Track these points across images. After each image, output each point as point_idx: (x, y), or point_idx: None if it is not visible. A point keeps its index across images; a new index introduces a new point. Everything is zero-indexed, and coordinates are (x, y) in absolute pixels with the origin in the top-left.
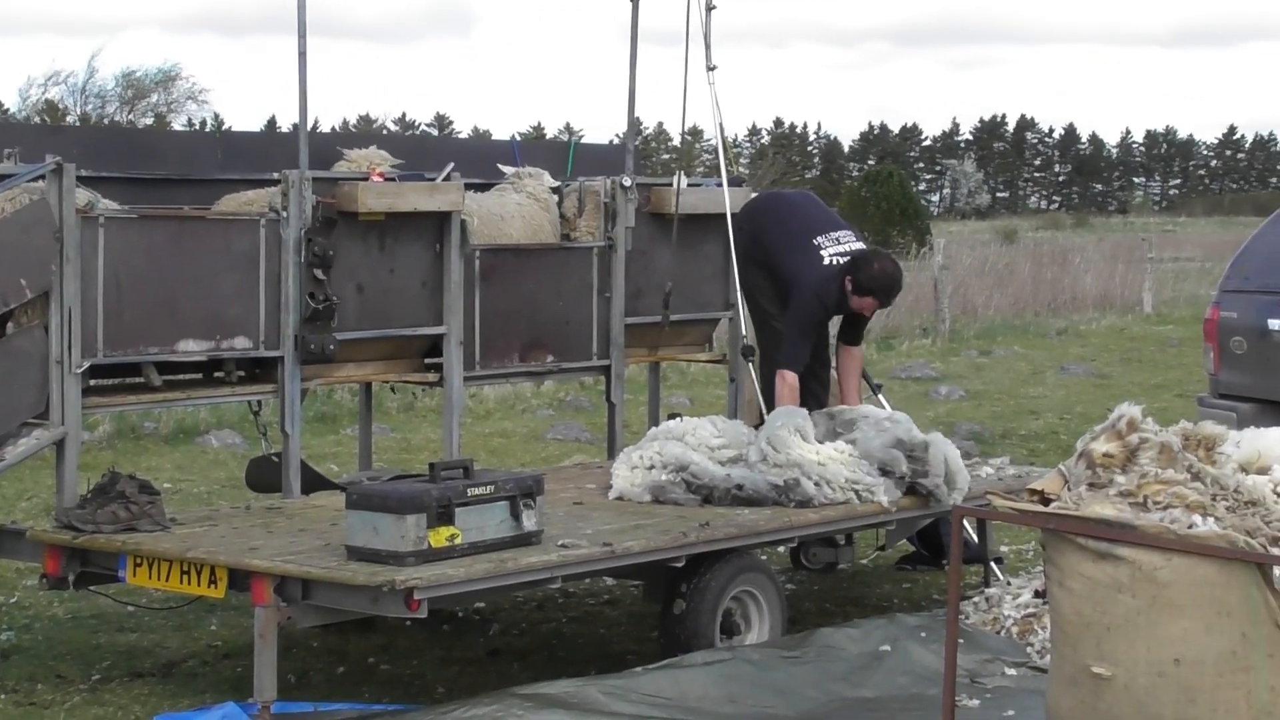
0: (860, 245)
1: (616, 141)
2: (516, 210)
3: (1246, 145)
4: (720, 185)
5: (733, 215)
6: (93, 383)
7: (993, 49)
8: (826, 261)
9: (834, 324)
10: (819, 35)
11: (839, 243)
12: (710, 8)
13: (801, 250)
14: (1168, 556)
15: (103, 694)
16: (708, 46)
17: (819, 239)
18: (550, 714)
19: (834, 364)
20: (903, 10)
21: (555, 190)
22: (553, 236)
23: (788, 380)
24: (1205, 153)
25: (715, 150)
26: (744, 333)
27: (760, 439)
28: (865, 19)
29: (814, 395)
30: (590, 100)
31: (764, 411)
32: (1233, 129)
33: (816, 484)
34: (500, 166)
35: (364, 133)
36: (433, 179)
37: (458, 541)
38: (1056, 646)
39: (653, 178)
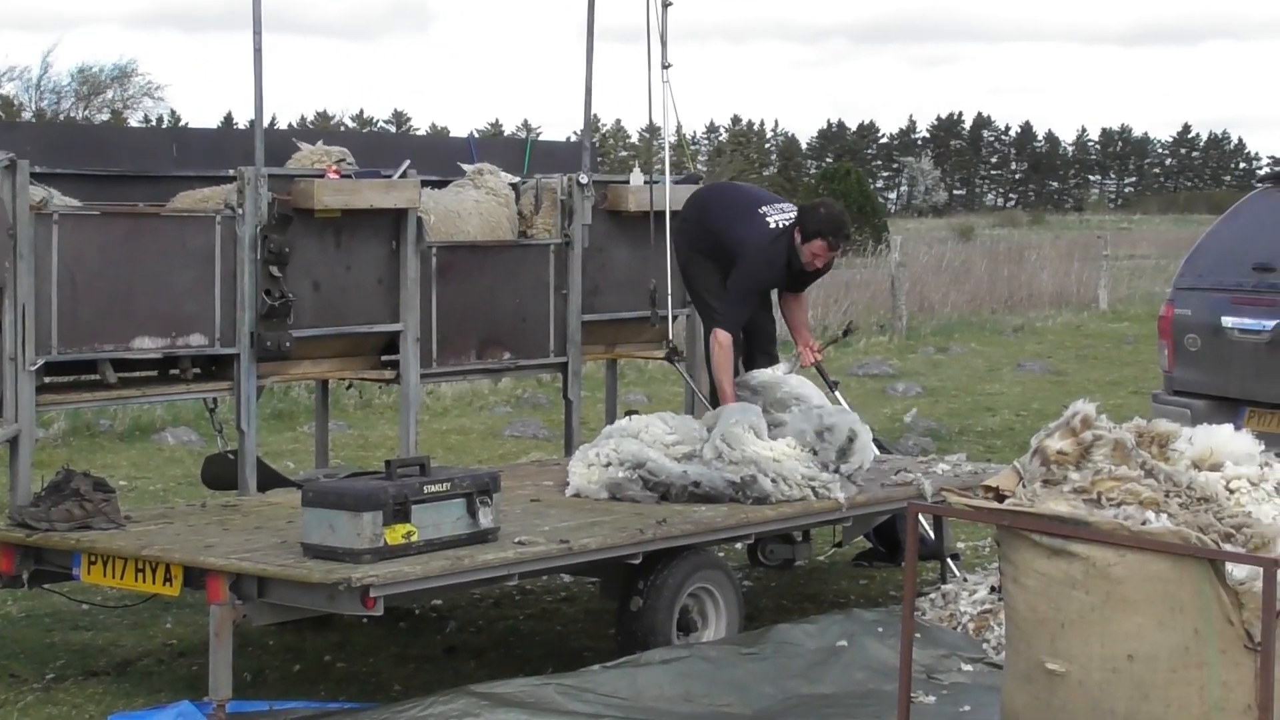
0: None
1: (574, 139)
2: (474, 207)
3: (1201, 144)
4: (678, 183)
5: (677, 210)
6: (47, 380)
7: (952, 46)
8: (772, 225)
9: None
10: (781, 32)
11: (784, 211)
12: (666, 4)
13: (746, 219)
14: (1121, 553)
15: (57, 693)
16: (664, 44)
17: (764, 208)
18: (507, 713)
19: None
20: (866, 7)
21: (512, 187)
22: (510, 233)
23: (720, 340)
24: (1160, 151)
25: (673, 147)
26: (668, 336)
27: (715, 436)
28: (828, 16)
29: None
30: (547, 97)
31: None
32: (1187, 127)
33: (773, 481)
34: (460, 165)
35: (321, 129)
36: (389, 176)
37: (414, 539)
38: (1011, 642)
39: (609, 175)
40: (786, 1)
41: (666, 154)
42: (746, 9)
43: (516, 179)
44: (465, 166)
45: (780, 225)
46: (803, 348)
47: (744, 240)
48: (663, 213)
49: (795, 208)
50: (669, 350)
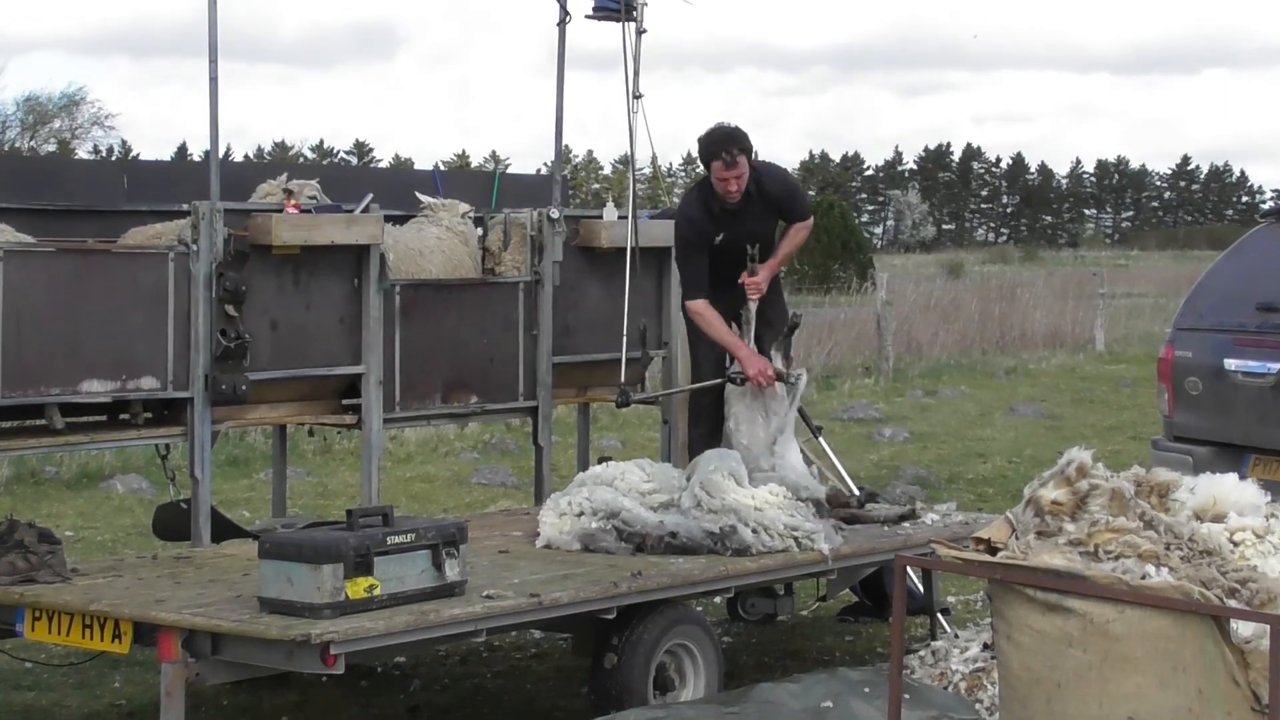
0: None
1: (544, 171)
2: (436, 244)
3: (1201, 176)
4: (654, 218)
5: (651, 247)
6: None
7: (940, 74)
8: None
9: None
10: (762, 59)
11: None
12: (640, 31)
13: None
14: (1120, 609)
15: None
16: (636, 73)
17: None
18: None
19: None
20: (849, 33)
21: (479, 221)
22: (473, 271)
23: (692, 309)
24: (1159, 184)
25: (646, 180)
26: (621, 377)
27: (693, 484)
28: (810, 42)
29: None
30: (516, 128)
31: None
32: (1187, 159)
33: (754, 531)
34: (418, 195)
35: (279, 161)
36: (351, 210)
37: (377, 592)
38: (1005, 703)
39: (582, 209)
40: (766, 27)
41: (632, 187)
42: (724, 35)
43: (478, 212)
44: (423, 198)
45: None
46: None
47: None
48: (619, 250)
49: None
50: (620, 395)
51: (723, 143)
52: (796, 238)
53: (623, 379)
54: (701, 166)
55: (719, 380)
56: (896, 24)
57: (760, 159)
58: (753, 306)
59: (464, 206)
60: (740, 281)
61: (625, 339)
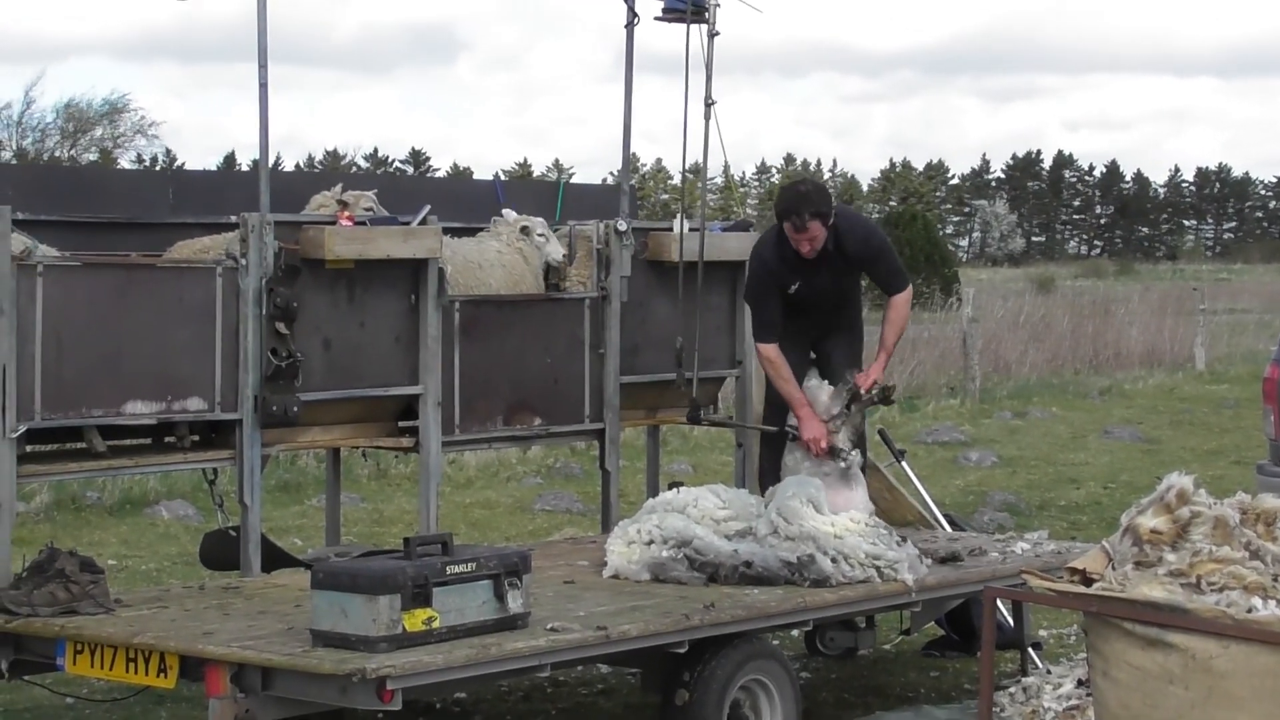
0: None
1: (610, 180)
2: (496, 258)
3: None
4: (726, 229)
5: (723, 260)
6: (29, 449)
7: (1030, 78)
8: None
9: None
10: (841, 62)
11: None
12: (712, 34)
13: None
14: (1224, 644)
15: None
16: (708, 78)
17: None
18: None
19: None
20: (934, 34)
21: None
22: (535, 288)
23: (763, 353)
24: (1263, 192)
25: (718, 190)
26: (693, 393)
27: (770, 510)
28: (894, 44)
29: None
30: (581, 135)
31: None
32: None
33: (833, 560)
34: (505, 212)
35: (331, 170)
36: (407, 223)
37: (435, 625)
38: None
39: (650, 221)
40: (846, 29)
41: (704, 196)
42: (802, 38)
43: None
44: (508, 214)
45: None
46: (861, 374)
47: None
48: (706, 263)
49: None
50: (691, 410)
51: (794, 205)
52: (898, 318)
53: (693, 393)
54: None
55: (781, 430)
56: (985, 25)
57: (846, 210)
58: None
59: (538, 226)
60: (853, 383)
61: (696, 355)
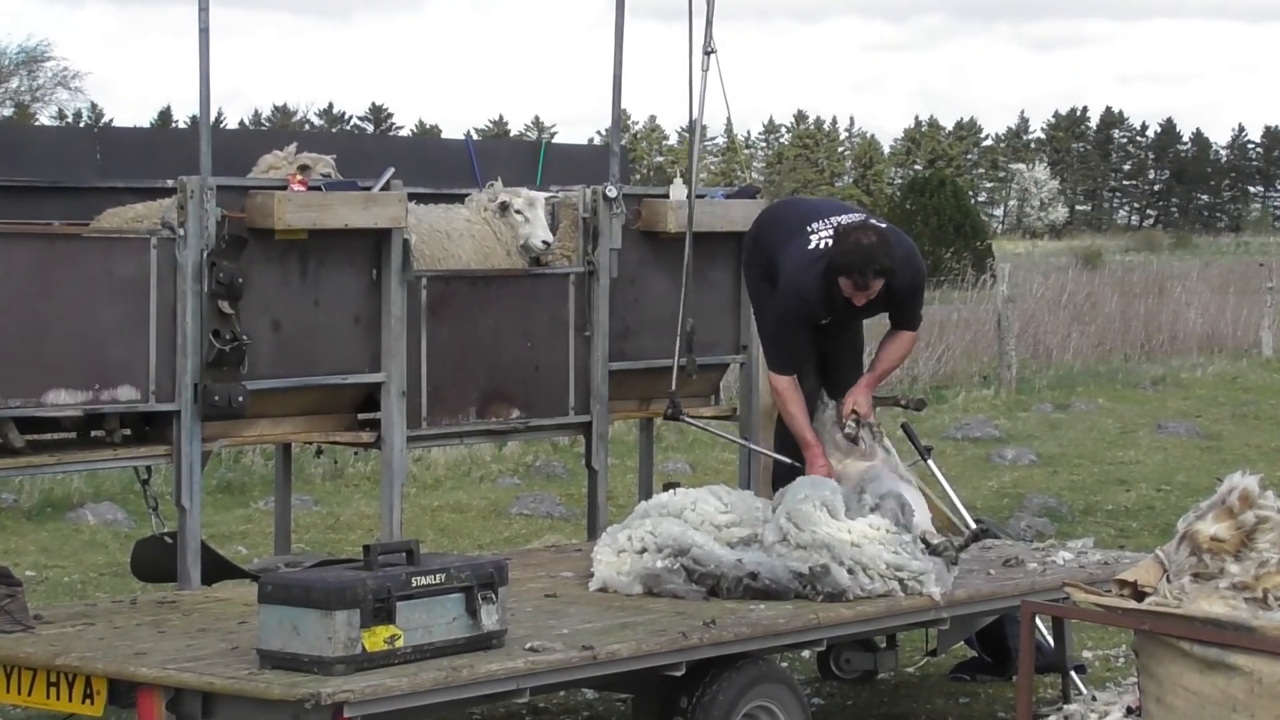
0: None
1: (598, 141)
2: (465, 228)
3: None
4: (730, 196)
5: (736, 231)
6: None
7: (1076, 25)
8: (812, 245)
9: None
10: (864, 6)
11: (838, 226)
12: None
13: (793, 239)
14: None
15: None
16: (709, 23)
17: (816, 224)
18: None
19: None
20: None
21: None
22: (507, 264)
23: (774, 385)
24: None
25: (720, 152)
26: (672, 385)
27: (779, 515)
28: None
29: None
30: (564, 89)
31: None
32: None
33: (850, 571)
34: (487, 184)
35: (281, 128)
36: (368, 188)
37: (399, 644)
38: None
39: (644, 187)
40: None
41: (694, 160)
42: None
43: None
44: (492, 187)
45: (823, 246)
46: (848, 396)
47: (782, 265)
48: (707, 234)
49: (859, 218)
50: (670, 406)
51: (858, 263)
52: (901, 355)
53: (673, 386)
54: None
55: (789, 462)
56: None
57: (896, 241)
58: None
59: (521, 202)
60: (855, 406)
61: (679, 340)
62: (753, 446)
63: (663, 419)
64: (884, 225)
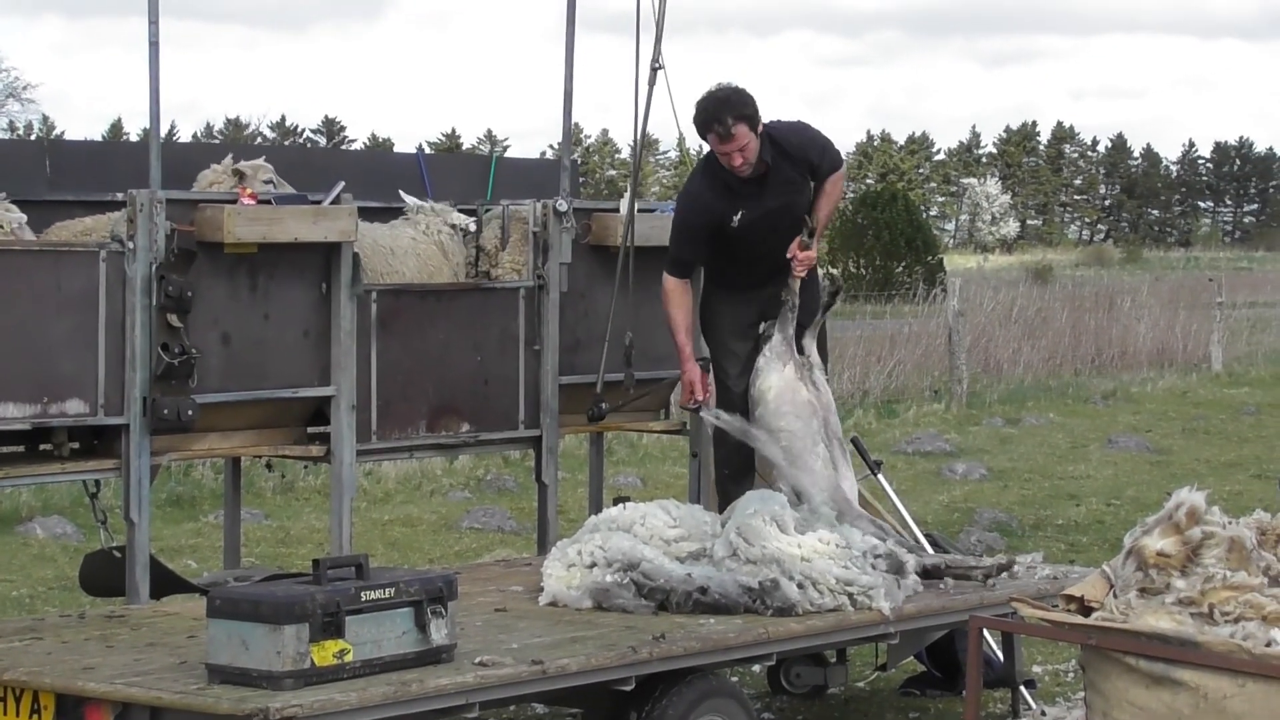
0: None
1: (549, 154)
2: (410, 245)
3: None
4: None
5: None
6: None
7: (1033, 39)
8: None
9: None
10: (819, 20)
11: None
12: None
13: None
14: (1240, 681)
15: None
16: (657, 39)
17: None
18: None
19: None
20: None
21: (470, 213)
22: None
23: (665, 286)
24: None
25: (672, 166)
26: (598, 387)
27: (728, 529)
28: (879, 1)
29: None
30: (521, 103)
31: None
32: None
33: (800, 585)
34: (402, 195)
35: (233, 141)
36: (318, 202)
37: (349, 659)
38: None
39: (595, 200)
40: None
41: (635, 172)
42: None
43: (470, 204)
44: (408, 199)
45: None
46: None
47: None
48: (656, 248)
49: None
50: (592, 407)
51: (713, 111)
52: (834, 193)
53: (599, 388)
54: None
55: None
56: None
57: (773, 119)
58: (796, 285)
59: (457, 217)
60: (789, 255)
61: (606, 347)
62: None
63: (587, 420)
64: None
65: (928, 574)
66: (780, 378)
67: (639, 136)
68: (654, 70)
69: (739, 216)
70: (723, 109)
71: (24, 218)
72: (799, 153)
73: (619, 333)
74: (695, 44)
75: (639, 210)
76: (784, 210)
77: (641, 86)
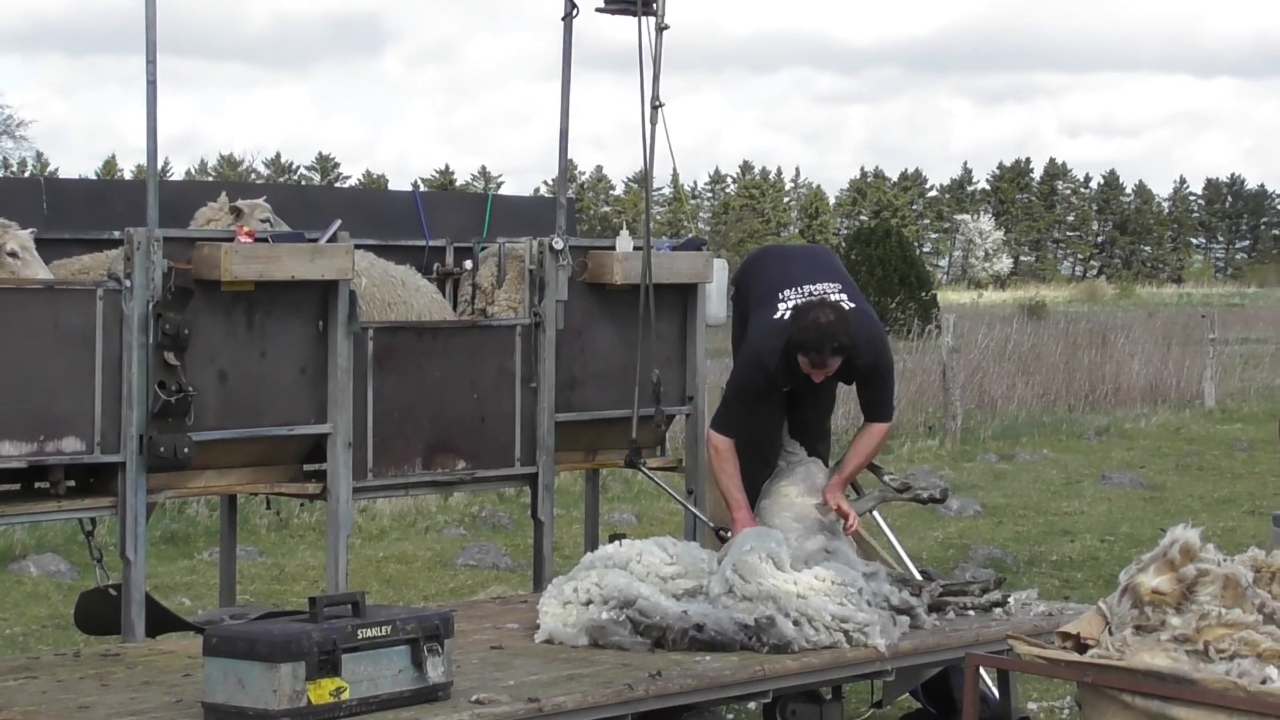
0: (839, 297)
1: (544, 191)
2: (424, 281)
3: None
4: (677, 248)
5: (676, 283)
6: None
7: (1028, 76)
8: (778, 315)
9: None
10: (817, 57)
11: (808, 296)
12: (661, 28)
13: (765, 306)
14: (1235, 719)
15: None
16: (656, 77)
17: (787, 291)
18: None
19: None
20: (927, 26)
21: (467, 252)
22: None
23: (712, 442)
24: None
25: (667, 203)
26: (632, 434)
27: (725, 567)
28: (878, 37)
29: (763, 465)
30: (520, 139)
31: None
32: None
33: (796, 622)
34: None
35: (228, 179)
36: (315, 239)
37: (345, 697)
38: None
39: (590, 238)
40: (824, 19)
41: (648, 209)
42: (775, 28)
43: (467, 242)
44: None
45: (788, 318)
46: (831, 496)
47: (750, 330)
48: (633, 287)
49: (833, 288)
50: (631, 454)
51: (815, 342)
52: (872, 449)
53: (633, 433)
54: None
55: (723, 533)
56: (983, 14)
57: (860, 319)
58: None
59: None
60: (834, 506)
61: (638, 388)
62: (696, 512)
63: (623, 465)
64: (851, 305)
65: (932, 608)
66: (798, 492)
67: (649, 173)
68: (655, 108)
69: (788, 389)
70: (825, 341)
71: (32, 231)
72: (862, 373)
73: (646, 370)
74: (694, 81)
75: (635, 248)
76: (827, 392)
77: (647, 125)
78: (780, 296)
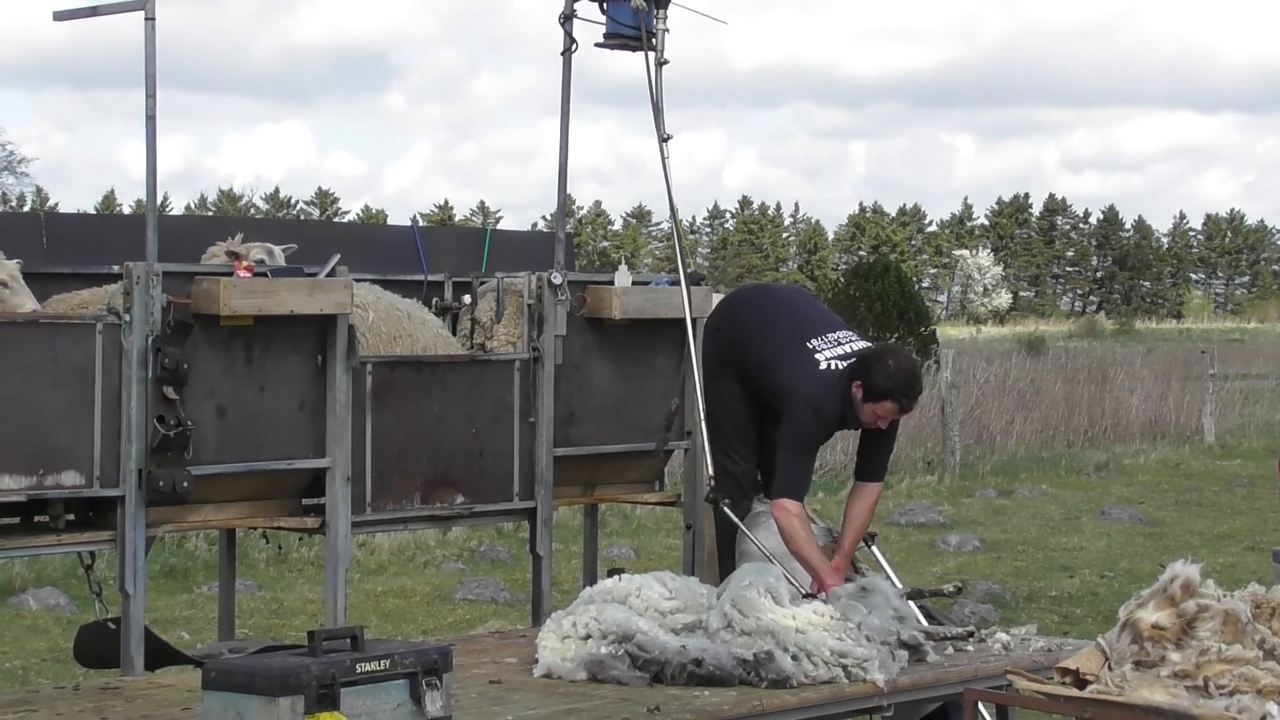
0: (864, 344)
1: (542, 226)
2: (422, 313)
3: None
4: (675, 284)
5: (706, 316)
6: None
7: (1030, 112)
8: (824, 366)
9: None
10: (820, 92)
11: (838, 344)
12: (661, 63)
13: (794, 356)
14: None
15: None
16: (657, 112)
17: (814, 341)
18: None
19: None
20: (931, 60)
21: (465, 287)
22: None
23: (790, 511)
24: None
25: (664, 237)
26: (708, 473)
27: (723, 602)
28: (881, 71)
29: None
30: (522, 174)
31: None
32: None
33: (794, 658)
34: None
35: (227, 215)
36: (314, 274)
37: None
38: None
39: (589, 273)
40: (830, 53)
41: (678, 243)
42: (779, 63)
43: (465, 276)
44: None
45: (833, 368)
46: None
47: (792, 384)
48: (651, 320)
49: (850, 336)
50: (711, 491)
51: (914, 393)
52: (867, 515)
53: (709, 473)
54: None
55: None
56: (988, 50)
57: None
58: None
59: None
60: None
61: (702, 423)
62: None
63: (705, 500)
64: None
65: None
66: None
67: (673, 206)
68: (663, 142)
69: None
70: (913, 390)
71: (18, 262)
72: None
73: (688, 405)
74: (697, 116)
75: (634, 283)
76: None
77: (658, 160)
78: (810, 346)
